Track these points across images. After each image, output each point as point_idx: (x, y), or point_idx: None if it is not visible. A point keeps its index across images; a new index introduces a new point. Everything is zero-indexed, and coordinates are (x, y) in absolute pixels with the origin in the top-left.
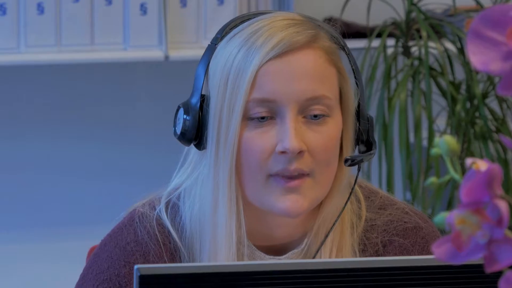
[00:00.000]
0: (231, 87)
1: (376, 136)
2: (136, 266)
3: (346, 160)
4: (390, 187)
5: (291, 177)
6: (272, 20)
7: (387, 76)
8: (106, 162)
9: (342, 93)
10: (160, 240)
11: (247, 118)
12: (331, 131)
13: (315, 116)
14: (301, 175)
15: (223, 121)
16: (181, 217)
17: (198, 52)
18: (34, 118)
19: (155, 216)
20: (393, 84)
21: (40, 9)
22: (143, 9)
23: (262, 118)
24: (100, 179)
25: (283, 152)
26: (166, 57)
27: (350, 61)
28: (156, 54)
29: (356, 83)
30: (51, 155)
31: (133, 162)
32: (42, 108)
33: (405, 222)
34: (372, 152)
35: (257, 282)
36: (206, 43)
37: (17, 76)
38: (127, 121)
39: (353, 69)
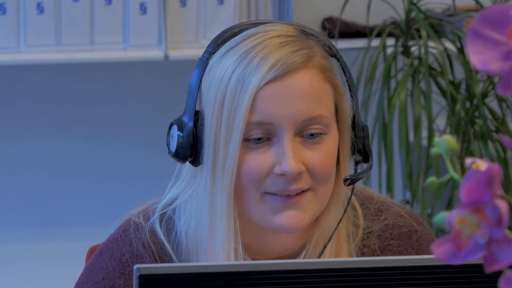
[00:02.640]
0: (227, 110)
1: (376, 135)
2: (135, 266)
3: (345, 180)
4: (389, 186)
5: (289, 196)
6: (265, 37)
7: (387, 76)
8: (106, 161)
9: (338, 108)
10: (155, 252)
11: (244, 139)
12: (328, 148)
13: (312, 134)
14: (300, 192)
15: (220, 143)
16: (176, 233)
17: (198, 51)
18: (34, 118)
19: (148, 228)
20: (392, 83)
21: (40, 8)
22: (143, 8)
23: (259, 139)
24: (99, 179)
25: (281, 174)
26: (166, 57)
27: (344, 71)
28: (156, 53)
29: (352, 96)
30: (51, 155)
31: (133, 162)
32: (42, 108)
33: (400, 226)
34: (369, 166)
35: (256, 282)
36: (206, 42)
37: (17, 76)
38: (127, 120)
39: (347, 80)
